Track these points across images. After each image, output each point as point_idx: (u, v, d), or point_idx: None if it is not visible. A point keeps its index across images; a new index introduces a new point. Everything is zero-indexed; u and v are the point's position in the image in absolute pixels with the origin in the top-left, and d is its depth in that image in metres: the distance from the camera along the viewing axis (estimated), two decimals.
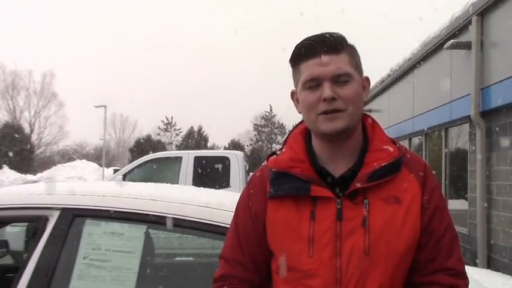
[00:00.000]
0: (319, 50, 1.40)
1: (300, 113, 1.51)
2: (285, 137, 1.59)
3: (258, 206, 1.47)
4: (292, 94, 1.52)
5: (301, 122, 1.56)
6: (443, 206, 1.47)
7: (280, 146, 1.58)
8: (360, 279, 1.35)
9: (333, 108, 1.38)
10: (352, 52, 1.45)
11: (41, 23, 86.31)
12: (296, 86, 1.48)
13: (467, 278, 1.44)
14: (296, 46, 1.46)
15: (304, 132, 1.53)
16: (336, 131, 1.39)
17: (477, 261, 7.87)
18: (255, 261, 1.49)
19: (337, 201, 1.38)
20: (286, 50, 1.50)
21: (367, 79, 1.50)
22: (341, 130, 1.40)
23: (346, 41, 1.44)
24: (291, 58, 1.47)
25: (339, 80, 1.39)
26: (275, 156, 1.52)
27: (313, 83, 1.40)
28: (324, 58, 1.39)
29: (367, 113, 1.55)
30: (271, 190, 1.45)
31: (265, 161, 1.55)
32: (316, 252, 1.37)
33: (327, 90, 1.37)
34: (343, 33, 1.46)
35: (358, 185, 1.38)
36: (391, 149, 1.44)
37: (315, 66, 1.40)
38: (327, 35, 1.42)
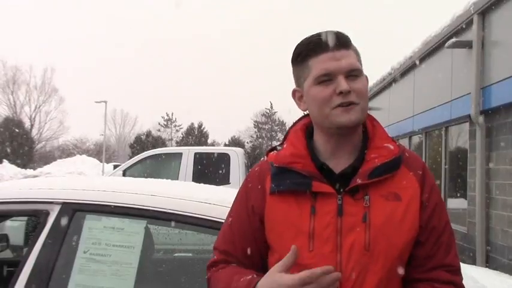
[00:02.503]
0: (332, 44, 1.41)
1: (304, 110, 1.51)
2: (285, 133, 1.60)
3: (255, 200, 1.49)
4: (294, 92, 1.52)
5: (301, 118, 1.57)
6: (442, 204, 1.49)
7: (280, 142, 1.59)
8: (360, 274, 1.37)
9: (348, 101, 1.39)
10: (356, 49, 1.47)
11: (41, 17, 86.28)
12: (300, 83, 1.48)
13: (461, 274, 1.47)
14: (301, 43, 1.46)
15: (304, 129, 1.54)
16: (351, 123, 1.41)
17: (476, 259, 7.89)
18: (247, 254, 1.50)
19: (338, 197, 1.40)
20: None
21: (366, 77, 1.51)
22: (355, 123, 1.42)
23: (350, 39, 1.46)
24: (296, 55, 1.47)
25: (352, 74, 1.41)
26: (275, 151, 1.53)
27: (327, 77, 1.41)
28: (337, 53, 1.40)
29: (368, 113, 1.56)
30: (273, 185, 1.45)
31: (265, 156, 1.56)
32: (316, 247, 1.39)
33: (343, 84, 1.38)
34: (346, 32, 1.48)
35: (359, 181, 1.40)
36: (391, 146, 1.46)
37: (329, 61, 1.40)
38: (335, 31, 1.43)
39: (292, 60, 1.49)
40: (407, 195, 1.42)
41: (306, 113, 1.53)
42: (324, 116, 1.43)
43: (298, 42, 1.47)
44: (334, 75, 1.40)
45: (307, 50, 1.43)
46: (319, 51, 1.41)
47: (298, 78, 1.49)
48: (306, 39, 1.45)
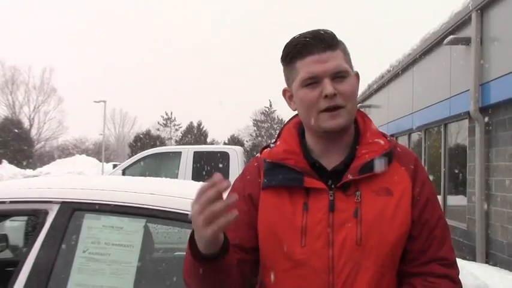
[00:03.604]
0: (317, 46, 1.40)
1: (294, 110, 1.52)
2: (279, 131, 1.60)
3: (253, 190, 1.48)
4: (284, 92, 1.53)
5: (294, 116, 1.57)
6: (434, 197, 1.49)
7: (274, 140, 1.59)
8: (352, 269, 1.37)
9: (334, 104, 1.40)
10: (344, 48, 1.46)
11: (40, 17, 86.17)
12: (290, 84, 1.49)
13: (457, 267, 1.47)
14: (289, 44, 1.46)
15: (297, 127, 1.54)
16: (338, 128, 1.42)
17: (476, 256, 7.90)
18: (243, 244, 1.47)
19: (330, 193, 1.41)
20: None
21: (357, 74, 1.51)
22: (342, 127, 1.42)
23: (337, 37, 1.45)
24: (284, 56, 1.47)
25: (338, 76, 1.41)
26: (269, 148, 1.53)
27: (312, 80, 1.41)
28: (323, 55, 1.40)
29: (363, 109, 1.56)
30: (265, 180, 1.46)
31: (259, 153, 1.56)
32: (308, 243, 1.39)
33: (328, 87, 1.39)
34: (336, 31, 1.47)
35: (350, 176, 1.41)
36: (382, 142, 1.47)
37: (314, 64, 1.40)
38: (321, 32, 1.43)
39: (281, 59, 1.49)
40: (399, 190, 1.42)
41: (297, 112, 1.54)
42: (311, 118, 1.44)
43: (288, 41, 1.47)
44: (319, 78, 1.40)
45: (294, 52, 1.44)
46: (305, 53, 1.41)
47: (288, 78, 1.50)
48: (294, 39, 1.45)
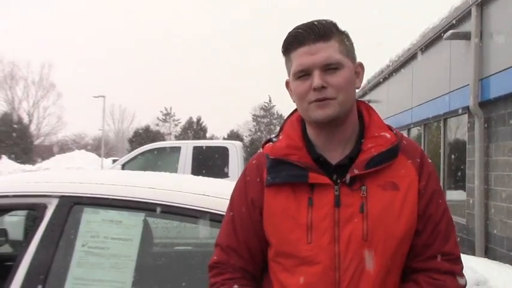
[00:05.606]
0: (307, 38, 1.39)
1: (294, 102, 1.51)
2: (281, 124, 1.59)
3: (254, 193, 1.47)
4: (287, 83, 1.52)
5: (297, 109, 1.55)
6: (440, 191, 1.47)
7: (276, 134, 1.58)
8: (359, 266, 1.36)
9: (323, 96, 1.38)
10: (342, 38, 1.43)
11: (39, 12, 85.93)
12: (289, 75, 1.48)
13: (462, 262, 1.45)
14: (286, 35, 1.45)
15: (300, 120, 1.52)
16: (326, 119, 1.40)
17: (475, 250, 7.91)
18: (249, 248, 1.49)
19: (335, 188, 1.39)
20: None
21: (360, 65, 1.49)
22: (332, 118, 1.40)
23: (337, 27, 1.43)
24: (282, 47, 1.47)
25: (329, 68, 1.39)
26: (271, 143, 1.52)
27: (303, 73, 1.40)
28: (313, 46, 1.39)
29: (364, 101, 1.55)
30: (269, 178, 1.44)
31: (261, 148, 1.55)
32: (315, 239, 1.37)
33: (316, 80, 1.38)
34: (336, 21, 1.45)
35: (356, 171, 1.38)
36: (388, 135, 1.45)
37: (304, 56, 1.39)
38: (315, 23, 1.41)
39: (281, 51, 1.50)
40: (405, 184, 1.40)
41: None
42: (303, 110, 1.43)
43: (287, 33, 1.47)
44: (310, 70, 1.39)
45: (287, 44, 1.44)
46: (297, 45, 1.41)
47: (287, 70, 1.49)
48: (291, 30, 1.45)
